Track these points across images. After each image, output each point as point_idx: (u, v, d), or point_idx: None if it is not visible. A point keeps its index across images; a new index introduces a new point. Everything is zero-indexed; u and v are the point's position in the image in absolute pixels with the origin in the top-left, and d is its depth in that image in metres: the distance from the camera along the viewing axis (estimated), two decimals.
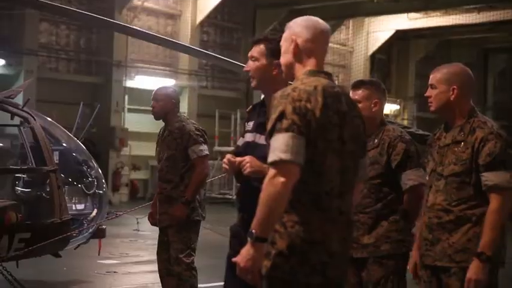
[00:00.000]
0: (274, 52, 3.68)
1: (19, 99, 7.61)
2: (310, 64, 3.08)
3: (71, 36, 19.55)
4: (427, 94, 3.93)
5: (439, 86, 3.89)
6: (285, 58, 3.14)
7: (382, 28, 25.75)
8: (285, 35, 3.15)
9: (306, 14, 3.26)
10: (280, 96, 2.92)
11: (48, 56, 18.97)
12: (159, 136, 6.19)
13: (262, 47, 3.78)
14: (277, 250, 2.90)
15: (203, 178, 5.94)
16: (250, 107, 4.06)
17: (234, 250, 3.77)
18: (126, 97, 20.12)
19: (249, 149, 3.74)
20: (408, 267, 4.17)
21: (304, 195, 2.91)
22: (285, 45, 3.13)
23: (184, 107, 19.08)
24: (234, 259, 2.88)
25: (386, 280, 4.25)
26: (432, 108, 3.93)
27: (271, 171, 2.80)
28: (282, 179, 2.78)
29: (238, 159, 3.57)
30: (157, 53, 21.14)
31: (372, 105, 4.38)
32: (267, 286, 2.93)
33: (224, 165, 3.67)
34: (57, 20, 18.96)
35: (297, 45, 3.08)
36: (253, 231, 2.81)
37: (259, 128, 3.74)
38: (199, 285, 6.04)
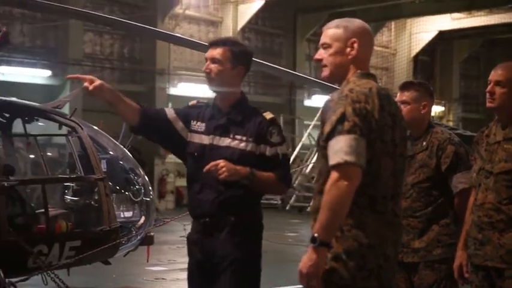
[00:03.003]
0: (238, 57, 3.67)
1: (66, 109, 7.68)
2: (363, 67, 3.07)
3: (115, 45, 19.78)
4: (489, 90, 3.83)
5: (508, 86, 3.81)
6: (337, 58, 3.06)
7: (425, 29, 25.50)
8: (338, 35, 3.06)
9: (347, 17, 3.23)
10: (338, 98, 2.90)
11: (93, 66, 19.20)
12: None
13: (226, 50, 3.69)
14: (334, 254, 2.86)
15: None
16: (194, 101, 3.93)
17: (196, 259, 3.85)
18: (170, 104, 20.22)
19: (207, 151, 3.70)
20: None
21: (361, 198, 2.87)
22: (338, 45, 3.06)
23: None
24: (299, 268, 2.79)
25: (439, 285, 4.18)
26: (492, 105, 3.84)
27: (335, 174, 2.76)
28: (345, 182, 2.74)
29: (212, 163, 3.53)
30: (199, 60, 21.21)
31: (421, 107, 4.31)
32: None
33: None
34: (101, 30, 19.19)
35: (358, 49, 3.04)
36: (316, 235, 2.76)
37: (218, 130, 3.71)
38: None
